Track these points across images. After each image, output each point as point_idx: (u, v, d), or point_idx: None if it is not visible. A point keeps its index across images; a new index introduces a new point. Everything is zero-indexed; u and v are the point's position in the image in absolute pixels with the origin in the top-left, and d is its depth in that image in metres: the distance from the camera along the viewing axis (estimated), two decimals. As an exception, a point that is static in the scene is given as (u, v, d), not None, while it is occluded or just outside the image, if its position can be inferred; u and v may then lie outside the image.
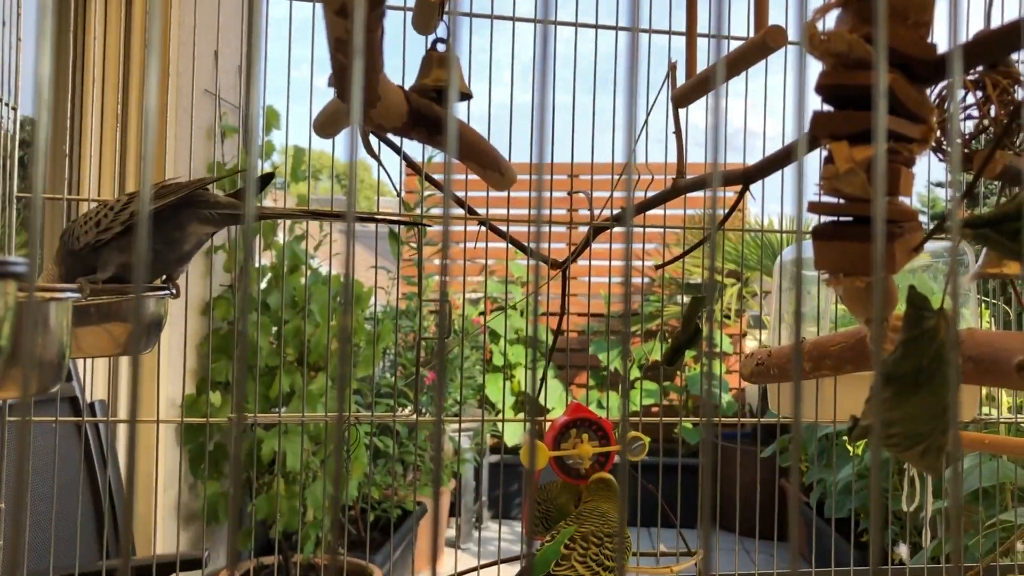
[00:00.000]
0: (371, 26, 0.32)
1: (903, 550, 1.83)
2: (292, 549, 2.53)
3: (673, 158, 0.72)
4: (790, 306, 1.12)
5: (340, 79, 0.37)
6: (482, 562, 0.96)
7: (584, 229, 1.01)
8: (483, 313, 3.75)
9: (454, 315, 3.62)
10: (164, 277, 0.69)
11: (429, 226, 0.88)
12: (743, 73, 0.65)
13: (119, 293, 0.62)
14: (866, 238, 0.40)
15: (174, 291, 0.68)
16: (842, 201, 0.41)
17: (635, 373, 3.89)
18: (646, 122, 0.78)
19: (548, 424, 0.80)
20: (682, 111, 0.73)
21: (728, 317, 3.89)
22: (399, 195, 0.88)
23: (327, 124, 0.50)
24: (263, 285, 2.53)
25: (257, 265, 2.49)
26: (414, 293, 3.15)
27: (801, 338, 0.67)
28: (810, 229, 0.42)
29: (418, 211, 2.81)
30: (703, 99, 0.71)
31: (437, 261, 3.38)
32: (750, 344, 3.96)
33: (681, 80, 0.82)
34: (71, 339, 0.44)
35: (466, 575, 0.85)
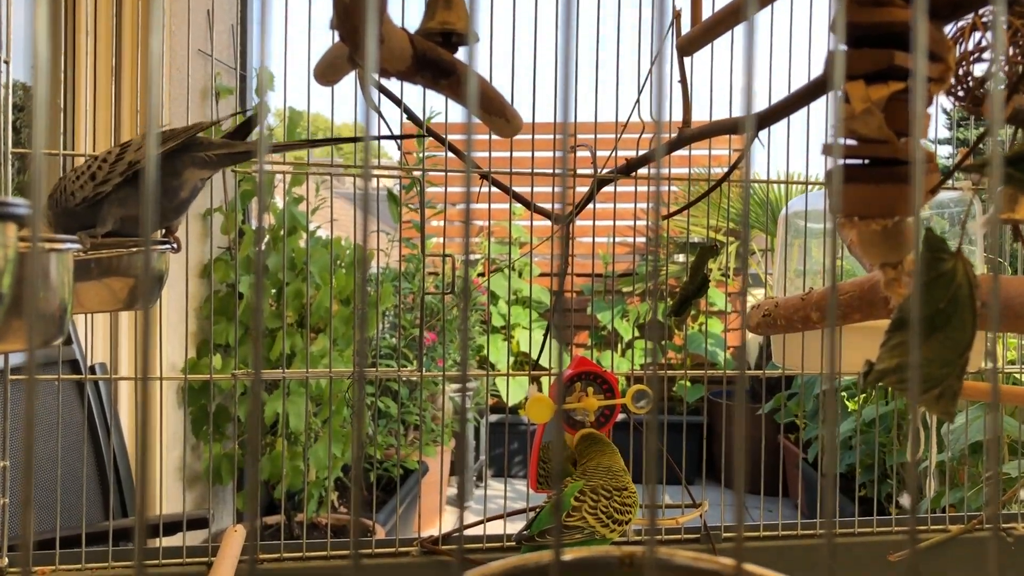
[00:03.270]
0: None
1: (906, 500, 1.84)
2: (295, 508, 2.55)
3: (675, 114, 0.71)
4: (792, 263, 1.11)
5: (342, 20, 0.36)
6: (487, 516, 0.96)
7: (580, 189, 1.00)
8: (482, 274, 3.75)
9: (453, 274, 3.60)
10: (163, 231, 0.68)
11: (432, 169, 0.86)
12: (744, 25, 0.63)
13: (119, 247, 0.61)
14: (882, 180, 0.39)
15: (175, 245, 0.67)
16: (856, 143, 0.40)
17: (632, 332, 3.89)
18: (649, 72, 0.76)
19: (551, 378, 0.80)
20: (686, 62, 0.72)
21: (727, 276, 3.88)
22: (399, 147, 0.87)
23: (327, 71, 0.49)
24: (262, 247, 2.53)
25: (255, 227, 2.48)
26: (413, 256, 3.14)
27: (808, 288, 0.66)
28: (824, 176, 0.42)
29: (417, 169, 2.80)
30: (702, 56, 0.70)
31: (437, 223, 3.36)
32: (749, 301, 3.95)
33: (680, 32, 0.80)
34: (72, 295, 0.43)
35: (473, 527, 0.86)
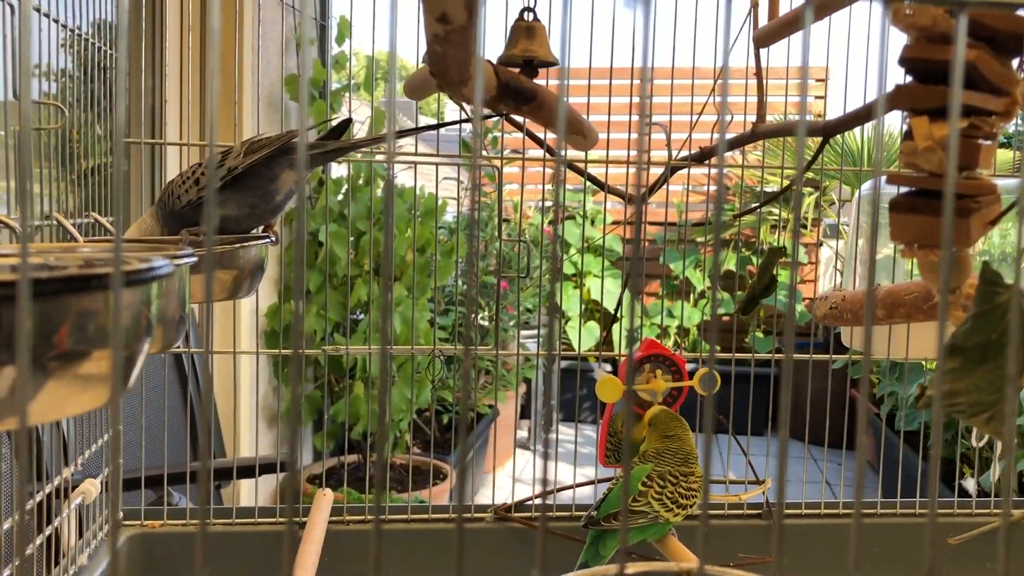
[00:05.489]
0: (468, 25, 0.34)
1: (970, 484, 1.84)
2: (371, 449, 2.66)
3: (751, 99, 0.72)
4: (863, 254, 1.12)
5: (436, 62, 0.40)
6: (553, 466, 1.00)
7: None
8: (553, 222, 3.76)
9: (524, 224, 3.64)
10: (262, 227, 0.73)
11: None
12: (825, 20, 0.64)
13: (222, 244, 0.66)
14: (941, 213, 0.41)
15: (273, 238, 0.72)
16: (918, 174, 0.42)
17: (705, 282, 3.88)
18: (726, 62, 0.77)
19: (621, 358, 0.83)
20: (762, 52, 0.73)
21: (804, 226, 3.84)
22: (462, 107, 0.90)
23: (417, 89, 0.52)
24: (339, 197, 2.59)
25: (334, 177, 2.54)
26: (485, 204, 3.18)
27: (875, 284, 0.68)
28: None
29: (493, 158, 2.82)
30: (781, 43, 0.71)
31: (509, 169, 3.39)
32: (825, 253, 3.92)
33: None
34: (189, 296, 0.48)
35: (544, 496, 0.90)
